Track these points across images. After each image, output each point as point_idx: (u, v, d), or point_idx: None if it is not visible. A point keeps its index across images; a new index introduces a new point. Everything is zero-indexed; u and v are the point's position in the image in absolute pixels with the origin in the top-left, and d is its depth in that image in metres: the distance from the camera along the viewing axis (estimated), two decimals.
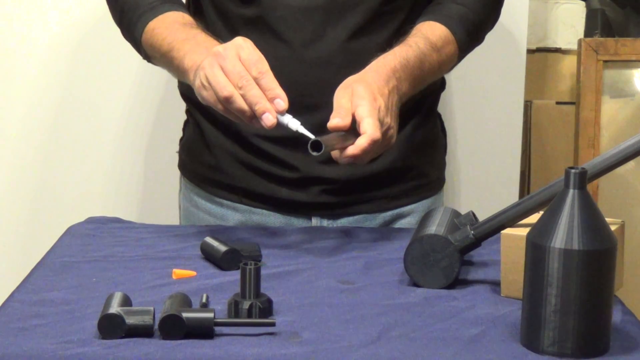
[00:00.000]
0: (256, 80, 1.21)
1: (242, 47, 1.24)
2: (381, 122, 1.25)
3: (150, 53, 1.44)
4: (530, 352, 0.98)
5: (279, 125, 1.23)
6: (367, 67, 1.33)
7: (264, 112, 1.21)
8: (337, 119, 1.23)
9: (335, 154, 1.25)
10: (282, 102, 1.22)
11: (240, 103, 1.22)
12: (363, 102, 1.25)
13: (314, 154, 1.19)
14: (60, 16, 1.98)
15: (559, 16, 2.41)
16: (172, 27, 1.39)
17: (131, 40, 1.47)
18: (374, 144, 1.23)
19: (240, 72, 1.21)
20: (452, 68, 1.50)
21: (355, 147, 1.22)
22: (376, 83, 1.29)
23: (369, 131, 1.22)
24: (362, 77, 1.30)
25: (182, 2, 1.49)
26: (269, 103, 1.22)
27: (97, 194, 2.05)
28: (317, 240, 1.39)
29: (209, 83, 1.23)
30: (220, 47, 1.25)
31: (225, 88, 1.21)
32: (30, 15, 1.98)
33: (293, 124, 1.25)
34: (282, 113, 1.23)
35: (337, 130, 1.23)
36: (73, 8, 1.98)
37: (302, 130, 1.24)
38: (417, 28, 1.43)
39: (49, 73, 2.01)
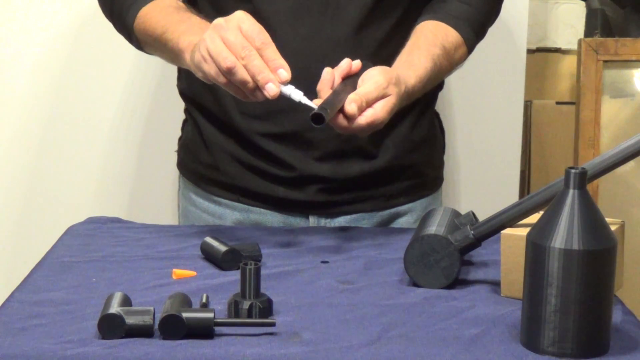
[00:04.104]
0: (258, 51, 1.21)
1: (243, 20, 1.24)
2: (381, 122, 1.27)
3: (143, 39, 1.43)
4: (530, 352, 0.98)
5: (282, 97, 1.23)
6: (404, 73, 1.34)
7: (267, 82, 1.21)
8: (356, 109, 1.23)
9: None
10: (285, 72, 1.22)
11: (243, 74, 1.21)
12: (383, 111, 1.27)
13: (316, 126, 1.18)
14: (54, 15, 1.98)
15: (559, 16, 2.41)
16: (165, 11, 1.39)
17: (123, 28, 1.47)
18: (350, 130, 1.26)
19: (242, 43, 1.21)
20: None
21: (338, 121, 1.24)
22: (405, 94, 1.32)
23: (354, 126, 1.25)
24: (400, 80, 1.31)
25: None
26: (272, 73, 1.21)
27: (96, 194, 2.05)
28: (317, 240, 1.39)
29: (210, 55, 1.23)
30: (221, 20, 1.25)
31: (228, 58, 1.21)
32: (24, 14, 1.98)
33: (295, 94, 1.24)
34: (284, 84, 1.23)
35: (349, 115, 1.24)
36: (67, 6, 1.98)
37: (305, 100, 1.24)
38: (434, 35, 1.44)
39: (47, 73, 2.01)
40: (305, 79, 1.41)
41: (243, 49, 1.21)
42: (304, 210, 1.51)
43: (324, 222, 1.51)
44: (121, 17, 1.46)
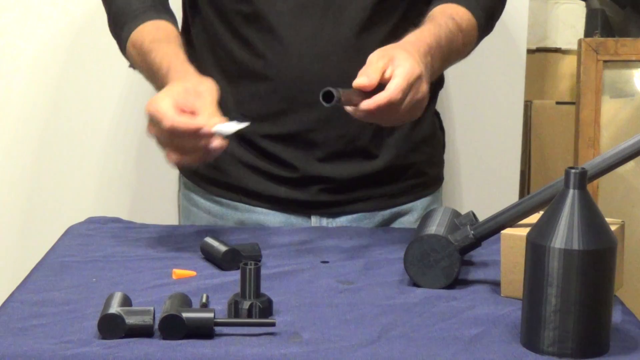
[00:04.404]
0: (173, 132, 1.19)
1: (151, 119, 1.23)
2: (413, 88, 1.23)
3: (133, 65, 1.47)
4: (530, 352, 0.98)
5: (229, 137, 1.21)
6: (403, 41, 1.31)
7: (206, 147, 1.19)
8: (364, 78, 1.21)
9: (350, 108, 1.23)
10: (203, 129, 1.18)
11: (191, 155, 1.21)
12: (405, 64, 1.23)
13: (326, 104, 1.16)
14: (53, 14, 1.98)
15: (559, 16, 2.41)
16: (147, 47, 1.39)
17: (117, 41, 1.49)
18: (391, 105, 1.21)
19: (168, 143, 1.21)
20: (470, 52, 1.50)
21: (372, 101, 1.21)
22: (417, 53, 1.28)
23: (390, 90, 1.21)
24: (401, 46, 1.28)
25: (167, 6, 1.49)
26: (200, 137, 1.19)
27: (96, 194, 2.05)
28: (317, 240, 1.39)
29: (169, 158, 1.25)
30: (148, 130, 1.25)
31: (173, 159, 1.22)
32: (23, 14, 1.98)
33: (228, 128, 1.20)
34: (213, 132, 1.19)
35: (361, 89, 1.21)
36: (66, 5, 1.98)
37: (240, 126, 1.21)
38: (442, 10, 1.43)
39: (47, 73, 2.00)
40: (307, 81, 1.41)
41: (172, 145, 1.21)
42: (305, 210, 1.51)
43: (326, 221, 1.51)
44: (116, 38, 1.48)
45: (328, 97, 1.16)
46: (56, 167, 2.04)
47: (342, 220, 1.51)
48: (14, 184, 2.04)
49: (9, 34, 1.98)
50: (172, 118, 1.18)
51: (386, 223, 1.54)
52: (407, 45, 1.30)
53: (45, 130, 2.03)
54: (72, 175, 2.04)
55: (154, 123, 1.22)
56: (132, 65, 1.47)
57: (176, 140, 1.20)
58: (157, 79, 1.35)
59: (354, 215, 1.52)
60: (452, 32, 1.39)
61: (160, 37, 1.41)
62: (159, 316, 1.00)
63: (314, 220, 1.51)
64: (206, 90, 1.23)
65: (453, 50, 1.40)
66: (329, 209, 1.51)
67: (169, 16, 1.47)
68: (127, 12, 1.45)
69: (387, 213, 1.54)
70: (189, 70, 1.31)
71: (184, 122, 1.18)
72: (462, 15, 1.43)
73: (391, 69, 1.23)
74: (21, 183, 2.04)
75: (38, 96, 2.01)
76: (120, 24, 1.46)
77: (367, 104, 1.21)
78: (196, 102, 1.21)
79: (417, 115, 1.29)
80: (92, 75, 2.00)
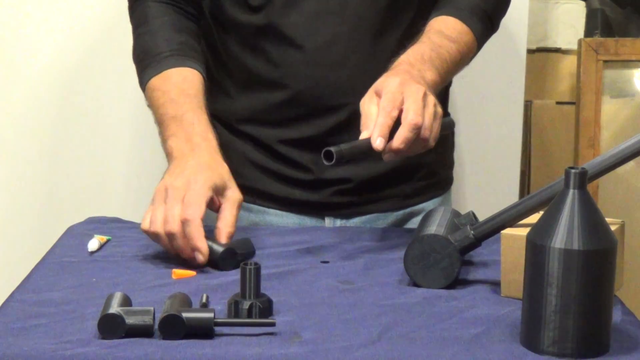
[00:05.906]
0: (184, 224, 1.24)
1: (190, 187, 1.27)
2: (416, 100, 1.24)
3: (150, 106, 1.46)
4: (530, 352, 0.98)
5: None
6: (387, 73, 1.31)
7: (189, 257, 1.24)
8: (381, 139, 1.21)
9: (385, 155, 1.24)
10: (201, 256, 1.24)
11: (166, 245, 1.26)
12: (390, 88, 1.24)
13: (327, 163, 1.18)
14: (64, 17, 1.98)
15: (559, 16, 2.41)
16: (165, 97, 1.40)
17: (138, 80, 1.49)
18: (417, 128, 1.22)
19: (171, 221, 1.24)
20: (472, 57, 1.50)
21: (398, 140, 1.21)
22: (405, 66, 1.30)
23: (408, 118, 1.22)
24: (380, 82, 1.28)
25: (195, 45, 1.48)
26: (190, 254, 1.24)
27: (96, 194, 2.04)
28: (317, 240, 1.39)
29: (151, 220, 1.27)
30: (173, 180, 1.28)
31: (157, 233, 1.25)
32: (34, 17, 1.98)
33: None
34: (199, 265, 1.24)
35: (375, 148, 1.22)
36: (77, 9, 1.98)
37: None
38: (430, 25, 1.44)
39: (54, 73, 2.00)
40: (324, 88, 1.42)
41: (168, 225, 1.24)
42: (320, 212, 1.52)
43: (340, 222, 1.52)
44: (138, 67, 1.47)
45: (328, 155, 1.17)
46: (56, 167, 2.04)
47: (356, 221, 1.52)
48: (14, 184, 2.04)
49: (19, 35, 1.98)
50: (199, 213, 1.25)
51: (400, 224, 1.54)
52: (389, 77, 1.29)
53: (46, 131, 2.02)
54: (73, 175, 2.04)
55: (186, 197, 1.26)
56: (150, 105, 1.46)
57: (175, 234, 1.24)
58: (176, 127, 1.37)
59: (368, 216, 1.52)
60: (437, 44, 1.39)
61: (188, 91, 1.41)
62: (159, 316, 1.00)
63: (328, 222, 1.52)
64: (230, 197, 1.31)
65: (446, 59, 1.40)
66: (343, 211, 1.51)
67: (194, 61, 1.45)
68: (152, 53, 1.45)
69: (400, 214, 1.54)
70: (212, 144, 1.36)
71: (195, 228, 1.24)
72: (450, 25, 1.43)
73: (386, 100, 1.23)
74: (21, 183, 2.04)
75: (38, 97, 2.01)
76: (144, 64, 1.46)
77: (388, 153, 1.22)
78: (222, 205, 1.31)
79: (438, 126, 1.28)
80: (96, 75, 2.00)
